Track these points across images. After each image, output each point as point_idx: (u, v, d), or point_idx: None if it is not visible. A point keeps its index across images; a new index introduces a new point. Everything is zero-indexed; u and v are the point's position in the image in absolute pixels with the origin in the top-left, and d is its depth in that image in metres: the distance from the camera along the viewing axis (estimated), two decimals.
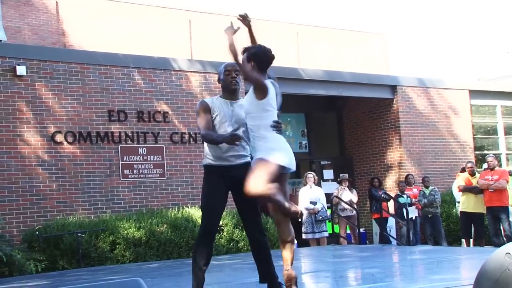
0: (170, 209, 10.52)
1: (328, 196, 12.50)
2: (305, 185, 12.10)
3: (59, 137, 10.17)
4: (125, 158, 10.75)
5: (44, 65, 10.21)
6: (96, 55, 11.00)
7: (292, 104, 14.53)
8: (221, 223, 10.10)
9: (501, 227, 10.78)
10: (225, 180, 4.84)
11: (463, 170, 12.06)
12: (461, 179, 11.53)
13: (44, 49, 12.06)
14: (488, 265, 3.04)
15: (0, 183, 9.51)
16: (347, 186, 12.38)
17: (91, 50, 12.34)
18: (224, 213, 10.33)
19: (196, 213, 10.22)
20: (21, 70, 9.85)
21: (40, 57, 10.22)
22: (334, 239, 12.26)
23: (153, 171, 11.02)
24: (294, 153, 14.53)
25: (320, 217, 11.56)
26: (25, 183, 9.75)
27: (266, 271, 4.86)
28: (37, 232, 8.96)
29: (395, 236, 12.54)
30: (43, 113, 10.10)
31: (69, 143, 10.25)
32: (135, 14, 16.55)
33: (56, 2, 15.47)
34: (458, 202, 11.92)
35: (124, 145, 10.78)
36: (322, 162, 15.04)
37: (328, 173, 14.68)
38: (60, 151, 10.19)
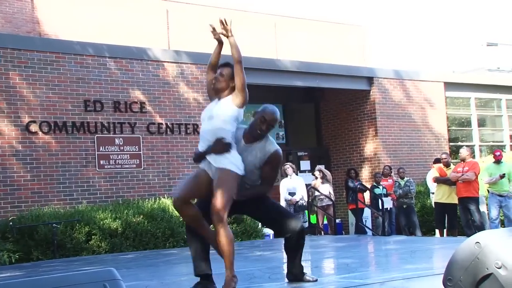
0: (147, 199, 10.49)
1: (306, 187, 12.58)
2: (284, 176, 12.15)
3: (33, 127, 10.07)
4: (101, 149, 10.68)
5: (18, 54, 10.08)
6: (71, 44, 10.88)
7: (270, 95, 14.54)
8: None
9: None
10: None
11: (437, 161, 12.20)
12: (435, 171, 11.67)
13: (19, 37, 11.89)
14: (459, 254, 3.10)
15: None
16: (321, 177, 12.44)
17: (66, 39, 12.20)
18: None
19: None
20: None
21: (14, 46, 10.09)
22: (311, 229, 12.34)
23: (129, 161, 10.97)
24: None
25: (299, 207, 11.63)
26: None
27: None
28: (11, 223, 8.87)
29: (370, 227, 12.67)
30: (18, 103, 9.98)
31: (44, 133, 10.15)
32: (111, 3, 16.37)
33: None
34: (433, 193, 12.06)
35: (100, 135, 10.71)
36: (299, 153, 15.11)
37: (305, 164, 14.75)
38: (35, 141, 10.08)
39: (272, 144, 4.90)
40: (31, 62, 10.19)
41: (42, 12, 15.33)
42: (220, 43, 4.95)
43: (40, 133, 10.12)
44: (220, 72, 4.85)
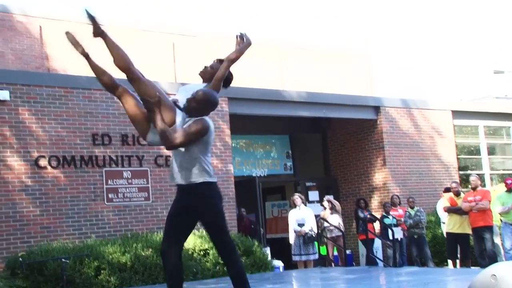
0: (156, 233, 10.43)
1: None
2: (293, 207, 12.10)
3: (42, 162, 10.10)
4: (109, 182, 10.68)
5: (27, 89, 10.17)
6: (79, 79, 10.96)
7: (276, 126, 14.60)
8: (206, 246, 10.04)
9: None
10: None
11: (447, 190, 12.12)
12: (445, 200, 11.58)
13: (28, 73, 12.01)
14: (474, 287, 3.05)
15: None
16: (330, 208, 12.37)
17: (74, 74, 12.30)
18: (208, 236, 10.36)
19: None
20: (4, 95, 9.80)
21: (23, 82, 10.18)
22: (321, 261, 12.23)
23: (138, 194, 10.96)
24: (279, 174, 14.47)
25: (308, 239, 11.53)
26: (8, 208, 9.64)
27: None
28: (20, 259, 8.81)
29: (381, 258, 12.53)
30: (27, 138, 10.03)
31: (53, 167, 10.17)
32: (118, 38, 16.51)
33: (40, 27, 15.44)
34: (443, 222, 11.95)
35: (108, 168, 10.72)
36: (307, 184, 15.06)
37: (314, 195, 14.69)
38: (44, 175, 10.10)
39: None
40: (40, 97, 10.27)
41: (51, 48, 15.51)
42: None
43: (49, 167, 10.14)
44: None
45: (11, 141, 9.89)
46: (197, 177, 4.90)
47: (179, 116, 4.96)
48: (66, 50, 16.49)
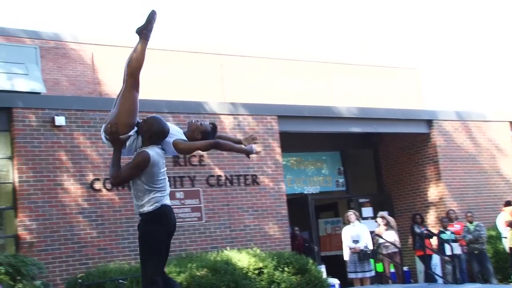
0: (209, 252, 10.44)
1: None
2: (346, 223, 11.93)
3: (97, 185, 10.27)
4: None
5: (81, 114, 10.40)
6: None
7: (327, 142, 14.47)
8: (261, 264, 9.98)
9: None
10: None
11: (507, 204, 11.73)
12: (507, 214, 11.20)
13: (81, 99, 12.31)
14: None
15: (42, 232, 9.60)
16: (384, 224, 12.15)
17: None
18: (263, 254, 10.32)
19: (235, 256, 10.12)
20: (60, 120, 10.05)
21: (77, 107, 10.42)
22: (377, 278, 11.98)
23: (191, 214, 11.01)
24: (332, 191, 14.27)
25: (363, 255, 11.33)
26: (67, 231, 9.83)
27: None
28: (79, 280, 8.96)
29: (440, 274, 12.18)
30: (82, 162, 10.23)
31: (107, 190, 10.34)
32: (168, 60, 16.84)
33: (92, 53, 15.86)
34: (505, 237, 11.54)
35: None
36: (361, 200, 14.84)
37: (367, 211, 14.46)
38: (99, 198, 10.27)
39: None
40: (93, 122, 10.48)
41: (102, 73, 15.90)
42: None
43: (104, 190, 10.31)
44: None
45: (67, 165, 10.11)
46: (144, 208, 4.98)
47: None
48: (116, 74, 16.87)
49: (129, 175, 4.99)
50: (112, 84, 15.82)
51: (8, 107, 9.76)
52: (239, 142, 5.47)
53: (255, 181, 11.76)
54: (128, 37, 17.84)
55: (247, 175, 11.73)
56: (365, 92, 18.98)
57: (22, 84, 10.36)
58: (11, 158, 9.74)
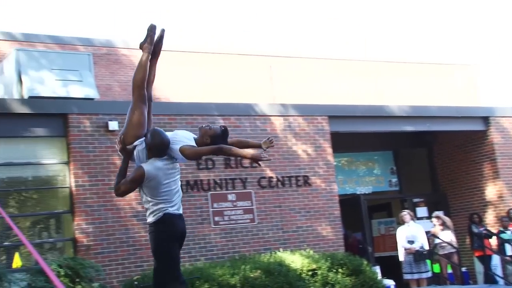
0: (262, 254, 10.43)
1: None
2: (400, 223, 11.72)
3: None
4: (215, 205, 10.84)
5: None
6: (181, 106, 11.27)
7: (379, 142, 14.27)
8: (314, 266, 9.91)
9: None
10: None
11: None
12: None
13: None
14: None
15: (98, 235, 9.79)
16: (440, 224, 11.88)
17: (177, 101, 12.69)
18: (317, 255, 10.24)
19: (288, 257, 10.09)
20: (113, 125, 10.22)
21: None
22: (435, 279, 11.72)
23: (243, 216, 11.03)
24: (384, 191, 14.07)
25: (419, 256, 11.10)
26: (122, 234, 9.99)
27: None
28: (136, 282, 9.09)
29: (501, 275, 11.81)
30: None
31: None
32: (217, 63, 16.96)
33: None
34: None
35: (213, 192, 10.88)
36: (415, 200, 14.56)
37: (422, 211, 14.18)
38: None
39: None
40: None
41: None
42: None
43: None
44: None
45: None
46: (149, 218, 5.20)
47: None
48: (165, 79, 17.20)
49: (128, 189, 5.27)
50: (162, 88, 16.03)
51: (64, 113, 10.00)
52: (259, 146, 5.45)
53: (306, 182, 11.69)
54: (176, 41, 18.06)
55: (299, 176, 11.67)
56: (417, 90, 18.63)
57: (77, 91, 10.59)
58: (67, 163, 9.97)
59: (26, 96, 10.20)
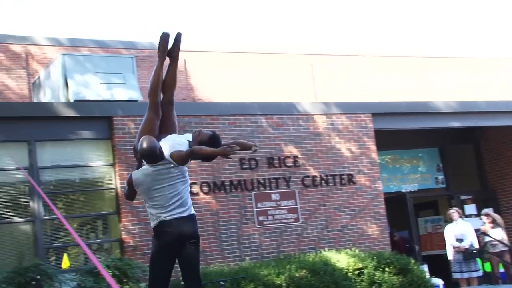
0: (308, 253, 10.37)
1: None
2: (448, 221, 11.48)
3: (195, 188, 10.45)
4: (259, 205, 10.82)
5: (176, 120, 10.59)
6: (224, 106, 11.30)
7: (424, 138, 14.01)
8: (360, 265, 9.79)
9: None
10: None
11: None
12: None
13: (177, 105, 12.24)
14: None
15: (144, 236, 9.87)
16: (490, 221, 11.57)
17: (219, 102, 12.73)
18: (363, 254, 10.12)
19: (334, 256, 9.99)
20: None
21: None
22: (486, 278, 11.43)
23: (287, 216, 10.98)
24: (431, 189, 13.74)
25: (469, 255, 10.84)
26: None
27: None
28: (182, 282, 9.13)
29: None
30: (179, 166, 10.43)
31: (204, 193, 10.50)
32: (258, 63, 16.95)
33: (184, 60, 16.23)
34: None
35: (257, 192, 10.86)
36: (462, 197, 14.24)
37: (470, 208, 13.85)
38: (197, 201, 10.44)
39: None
40: (188, 127, 10.66)
41: (195, 79, 16.24)
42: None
43: (201, 193, 10.48)
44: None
45: None
46: (151, 223, 5.31)
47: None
48: (208, 80, 17.31)
49: (126, 194, 5.50)
50: (205, 89, 16.13)
51: (109, 115, 10.13)
52: (250, 147, 5.46)
53: (351, 180, 11.57)
54: (218, 43, 18.13)
55: (343, 174, 11.56)
56: (463, 86, 18.23)
57: (121, 93, 10.72)
58: (113, 165, 10.10)
59: (72, 100, 10.38)
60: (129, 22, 36.98)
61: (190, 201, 5.24)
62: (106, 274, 2.89)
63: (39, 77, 11.99)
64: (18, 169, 9.29)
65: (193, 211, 5.27)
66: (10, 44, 14.58)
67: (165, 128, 5.46)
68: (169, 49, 5.56)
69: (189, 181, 5.37)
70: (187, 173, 5.36)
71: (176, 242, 5.14)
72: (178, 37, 5.59)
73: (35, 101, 12.12)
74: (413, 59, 18.82)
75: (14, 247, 9.35)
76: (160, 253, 5.18)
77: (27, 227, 9.54)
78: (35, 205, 9.43)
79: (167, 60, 5.73)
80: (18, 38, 14.79)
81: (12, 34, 14.93)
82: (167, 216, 5.13)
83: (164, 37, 5.51)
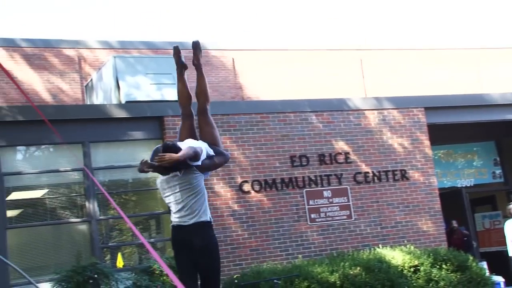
0: (361, 251, 10.22)
1: None
2: (508, 217, 11.11)
3: (246, 187, 10.45)
4: (310, 202, 10.73)
5: (227, 118, 10.65)
6: (274, 104, 11.25)
7: (479, 132, 13.62)
8: (416, 262, 9.58)
9: None
10: None
11: None
12: None
13: (226, 103, 12.61)
14: None
15: None
16: None
17: (268, 100, 12.69)
18: (418, 251, 9.90)
19: (388, 253, 9.82)
20: None
21: (223, 112, 10.68)
22: None
23: (339, 213, 10.85)
24: (488, 183, 13.33)
25: None
26: (220, 233, 10.09)
27: None
28: (236, 281, 9.16)
29: None
30: (230, 165, 10.45)
31: (256, 191, 10.48)
32: (306, 60, 16.84)
33: (233, 59, 16.27)
34: None
35: (308, 189, 10.78)
36: None
37: None
38: (249, 200, 10.44)
39: None
40: (238, 125, 10.69)
41: (244, 78, 16.25)
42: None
43: (252, 192, 10.47)
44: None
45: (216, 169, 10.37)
46: None
47: None
48: (257, 78, 17.29)
49: None
50: (253, 88, 16.12)
51: (160, 116, 10.23)
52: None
53: (404, 176, 11.35)
54: (266, 41, 18.10)
55: (396, 170, 11.35)
56: None
57: (171, 93, 10.80)
58: None
59: (123, 101, 10.53)
60: (177, 22, 37.38)
61: (201, 209, 5.12)
62: (170, 272, 2.89)
63: (91, 80, 12.22)
64: (82, 169, 9.49)
65: (202, 218, 5.12)
66: (63, 48, 14.92)
67: (204, 137, 5.49)
68: (192, 59, 5.62)
69: (204, 192, 5.22)
70: (202, 183, 5.20)
71: (179, 248, 5.20)
72: (194, 46, 5.63)
73: (88, 103, 12.36)
74: (466, 51, 18.34)
75: (71, 246, 9.55)
76: (175, 251, 5.28)
77: (83, 227, 9.73)
78: (91, 206, 9.62)
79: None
80: (71, 42, 15.12)
81: (65, 38, 15.26)
82: (173, 223, 5.27)
83: (174, 50, 5.61)
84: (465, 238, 12.29)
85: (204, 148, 5.19)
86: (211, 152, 5.29)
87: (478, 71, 17.92)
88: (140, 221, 10.81)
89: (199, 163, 5.08)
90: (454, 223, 12.48)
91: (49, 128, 8.40)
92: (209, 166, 5.32)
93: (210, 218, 5.21)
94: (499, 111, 12.53)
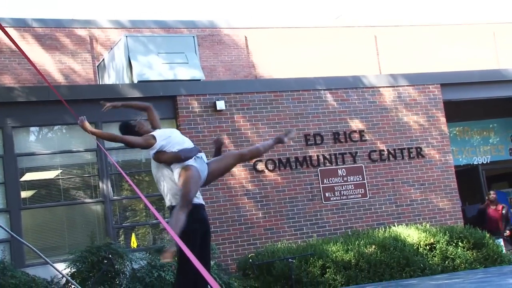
0: (376, 229, 10.15)
1: None
2: None
3: (260, 166, 10.39)
4: (325, 181, 10.65)
5: (240, 97, 10.55)
6: (287, 82, 11.13)
7: (496, 108, 13.42)
8: (432, 240, 9.50)
9: None
10: None
11: None
12: None
13: (239, 82, 12.52)
14: None
15: (211, 214, 9.91)
16: None
17: (282, 78, 12.56)
18: (434, 229, 9.80)
19: (404, 231, 9.74)
20: (220, 104, 10.27)
21: (236, 91, 10.59)
22: None
23: (354, 191, 10.77)
24: (505, 160, 13.10)
25: None
26: (234, 213, 10.07)
27: None
28: (250, 260, 9.14)
29: None
30: (244, 144, 10.39)
31: (270, 170, 10.42)
32: (319, 37, 16.63)
33: (245, 37, 16.11)
34: None
35: (323, 168, 10.70)
36: None
37: None
38: (263, 179, 10.38)
39: None
40: (252, 104, 10.60)
41: (257, 56, 16.10)
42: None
43: (266, 171, 10.40)
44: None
45: (230, 148, 10.31)
46: None
47: None
48: (270, 56, 17.11)
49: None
50: (267, 66, 15.97)
51: (173, 95, 10.16)
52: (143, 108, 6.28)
53: (419, 153, 11.23)
54: (279, 19, 17.88)
55: (411, 148, 11.22)
56: None
57: (183, 73, 10.73)
58: None
59: (136, 81, 10.46)
60: (189, 1, 37.11)
61: (170, 194, 5.63)
62: (188, 250, 2.86)
63: (103, 60, 12.15)
64: (95, 150, 9.49)
65: (168, 204, 5.70)
66: (75, 28, 14.85)
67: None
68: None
69: (167, 175, 5.76)
70: (163, 167, 5.79)
71: (201, 227, 5.61)
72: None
73: (100, 83, 12.31)
74: (483, 26, 18.02)
75: (86, 227, 9.57)
76: (193, 233, 5.49)
77: (97, 208, 9.74)
78: (104, 186, 9.61)
79: None
80: (82, 22, 15.03)
81: (76, 18, 15.18)
82: (196, 201, 5.67)
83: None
84: (504, 212, 11.76)
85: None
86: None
87: (495, 47, 17.62)
88: (153, 202, 10.79)
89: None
90: (492, 194, 11.96)
91: (62, 108, 8.37)
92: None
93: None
94: None
